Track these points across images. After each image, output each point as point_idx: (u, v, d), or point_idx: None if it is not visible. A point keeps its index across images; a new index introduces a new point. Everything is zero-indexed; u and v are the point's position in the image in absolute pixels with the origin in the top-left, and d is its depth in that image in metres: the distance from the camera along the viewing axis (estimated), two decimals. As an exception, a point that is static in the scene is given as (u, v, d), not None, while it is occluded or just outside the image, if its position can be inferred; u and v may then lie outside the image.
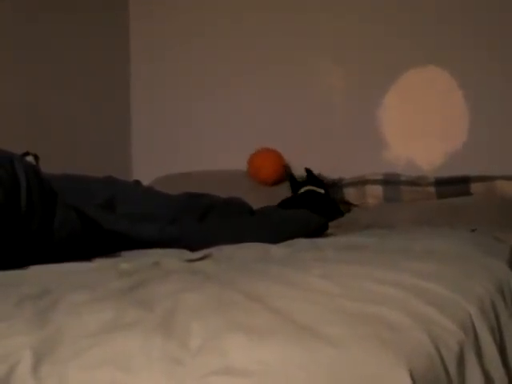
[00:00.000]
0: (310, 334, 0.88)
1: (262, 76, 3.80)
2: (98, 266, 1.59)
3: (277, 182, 3.49)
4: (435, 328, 0.98)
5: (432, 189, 3.17)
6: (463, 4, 3.38)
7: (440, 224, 2.58)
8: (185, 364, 0.82)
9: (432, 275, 1.28)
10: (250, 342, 0.85)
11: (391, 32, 3.51)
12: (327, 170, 3.49)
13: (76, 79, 3.70)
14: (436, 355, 0.91)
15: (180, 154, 3.96)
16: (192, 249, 1.91)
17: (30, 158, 2.54)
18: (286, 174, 3.49)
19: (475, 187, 3.10)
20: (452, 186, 3.14)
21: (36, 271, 1.50)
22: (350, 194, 3.35)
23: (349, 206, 3.31)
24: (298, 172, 3.50)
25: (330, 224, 2.55)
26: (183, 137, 3.98)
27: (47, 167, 2.24)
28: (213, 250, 1.82)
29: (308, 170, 3.41)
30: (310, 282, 1.21)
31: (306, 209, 2.67)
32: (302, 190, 3.27)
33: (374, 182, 3.28)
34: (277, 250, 1.80)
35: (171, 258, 1.67)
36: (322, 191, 3.26)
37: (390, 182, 3.26)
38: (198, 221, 2.28)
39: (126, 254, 1.88)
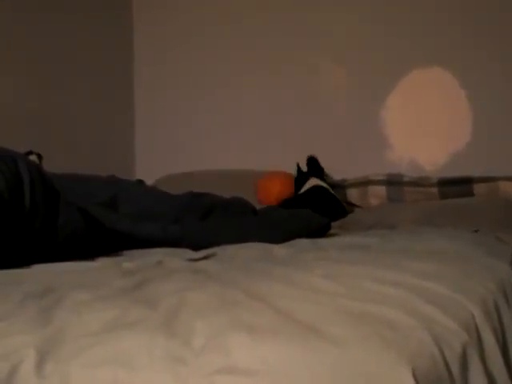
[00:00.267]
0: (312, 333, 0.88)
1: (262, 76, 3.80)
2: (101, 264, 1.59)
3: None
4: (438, 328, 0.98)
5: (435, 189, 3.17)
6: (463, 4, 3.38)
7: (442, 224, 2.58)
8: (188, 363, 0.82)
9: (434, 275, 1.28)
10: (253, 341, 0.85)
11: (393, 32, 3.51)
12: (330, 170, 3.49)
13: (79, 79, 3.71)
14: (439, 355, 0.90)
15: (182, 153, 3.97)
16: (195, 248, 1.91)
17: (33, 157, 2.55)
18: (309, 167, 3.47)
19: (478, 188, 3.10)
20: (455, 186, 3.14)
21: (39, 270, 1.50)
22: (352, 194, 3.35)
23: (352, 206, 3.31)
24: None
25: (333, 224, 2.55)
26: (186, 137, 3.99)
27: (50, 166, 2.24)
28: (215, 250, 1.82)
29: (311, 159, 3.40)
30: (313, 281, 1.21)
31: (310, 207, 2.67)
32: (307, 187, 3.26)
33: (377, 182, 3.28)
34: (279, 249, 1.80)
35: (174, 258, 1.67)
36: (325, 185, 3.25)
37: (393, 182, 3.26)
38: (201, 220, 2.28)
39: (128, 253, 1.88)
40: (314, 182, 3.28)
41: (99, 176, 2.53)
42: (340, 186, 3.38)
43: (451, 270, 1.39)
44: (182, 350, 0.85)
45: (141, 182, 2.92)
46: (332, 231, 2.42)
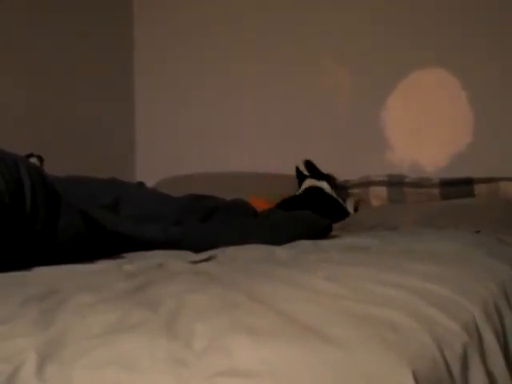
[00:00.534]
0: (314, 335, 0.88)
1: (265, 77, 3.81)
2: (103, 267, 1.59)
3: None
4: (439, 329, 0.98)
5: (436, 190, 3.18)
6: (464, 4, 3.38)
7: (443, 225, 2.58)
8: (190, 365, 0.83)
9: (435, 277, 1.28)
10: (255, 342, 0.85)
11: (394, 33, 3.53)
12: (331, 171, 3.49)
13: (80, 81, 3.71)
14: (439, 357, 0.91)
15: (183, 156, 3.97)
16: (196, 250, 1.91)
17: (34, 160, 2.55)
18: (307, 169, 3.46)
19: (479, 188, 3.10)
20: (456, 187, 3.14)
21: (41, 272, 1.50)
22: (354, 195, 3.36)
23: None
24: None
25: (334, 225, 2.56)
26: (186, 139, 3.99)
27: (51, 169, 2.25)
28: (217, 252, 1.82)
29: (307, 162, 3.41)
30: (314, 283, 1.21)
31: (308, 207, 2.68)
32: (303, 187, 3.27)
33: (379, 183, 3.29)
34: (281, 251, 1.80)
35: (175, 260, 1.67)
36: (324, 185, 3.26)
37: (395, 183, 3.27)
38: (202, 222, 2.28)
39: (129, 255, 1.88)
40: (310, 182, 3.29)
41: (100, 178, 2.54)
42: (342, 187, 3.39)
43: (452, 271, 1.39)
44: (184, 352, 0.85)
45: (141, 184, 2.92)
46: (333, 233, 2.42)
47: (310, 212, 2.44)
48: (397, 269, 1.35)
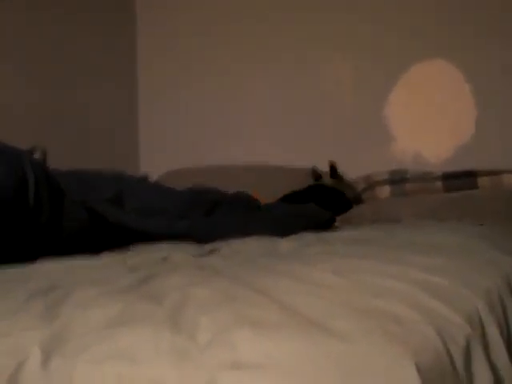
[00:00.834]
0: (317, 328, 0.88)
1: (268, 72, 3.81)
2: (107, 260, 1.60)
3: None
4: (442, 322, 0.98)
5: (439, 183, 3.17)
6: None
7: (447, 218, 2.58)
8: (193, 358, 0.83)
9: (439, 269, 1.28)
10: (258, 335, 0.85)
11: (396, 26, 3.51)
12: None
13: (83, 74, 3.71)
14: (443, 349, 0.91)
15: (187, 149, 3.97)
16: (199, 243, 1.92)
17: (38, 152, 2.56)
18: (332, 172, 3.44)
19: (482, 181, 3.09)
20: (459, 180, 3.14)
21: (44, 267, 1.51)
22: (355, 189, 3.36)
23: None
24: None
25: (337, 218, 2.56)
26: (190, 132, 3.99)
27: (55, 161, 2.25)
28: (220, 245, 1.83)
29: (331, 166, 3.40)
30: (317, 276, 1.21)
31: (314, 202, 2.68)
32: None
33: (381, 182, 3.28)
34: (284, 244, 1.80)
35: (179, 253, 1.67)
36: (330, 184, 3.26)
37: (397, 180, 3.26)
38: (206, 216, 2.28)
39: (133, 248, 1.88)
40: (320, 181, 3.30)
41: (104, 172, 2.54)
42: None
43: (455, 263, 1.39)
44: (188, 345, 0.86)
45: (145, 177, 2.93)
46: (336, 225, 2.42)
47: (313, 205, 2.44)
48: (400, 261, 1.35)
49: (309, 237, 1.97)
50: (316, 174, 3.40)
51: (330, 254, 1.54)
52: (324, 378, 0.78)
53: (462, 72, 3.36)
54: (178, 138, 4.02)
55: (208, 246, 1.83)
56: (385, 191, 3.25)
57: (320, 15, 3.67)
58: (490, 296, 1.23)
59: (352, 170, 3.45)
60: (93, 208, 1.90)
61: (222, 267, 1.42)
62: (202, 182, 2.73)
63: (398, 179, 3.26)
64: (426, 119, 3.44)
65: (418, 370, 0.80)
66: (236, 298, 1.04)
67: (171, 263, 1.54)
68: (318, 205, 2.53)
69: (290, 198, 3.09)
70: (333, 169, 3.39)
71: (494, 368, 1.05)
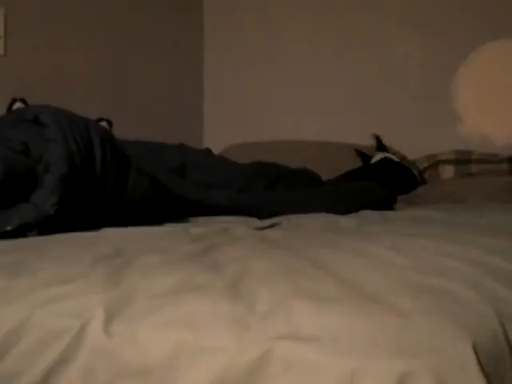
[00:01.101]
0: (375, 303, 0.88)
1: (334, 48, 3.77)
2: (169, 230, 1.62)
3: None
4: (501, 304, 0.97)
5: (505, 166, 3.12)
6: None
7: (511, 200, 2.54)
8: (251, 327, 0.84)
9: (501, 251, 1.27)
10: (316, 308, 0.86)
11: (467, 5, 3.44)
12: (399, 142, 3.45)
13: (147, 44, 3.73)
14: (500, 331, 0.90)
15: (250, 123, 3.98)
16: (261, 217, 1.93)
17: (103, 124, 2.60)
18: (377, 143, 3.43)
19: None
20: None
21: (109, 233, 1.54)
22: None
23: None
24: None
25: (401, 198, 2.54)
26: (253, 107, 4.00)
27: (120, 132, 2.29)
28: (281, 219, 1.84)
29: (376, 137, 3.38)
30: (378, 253, 1.21)
31: (381, 178, 2.66)
32: (378, 158, 3.23)
33: (446, 161, 3.23)
34: (345, 221, 1.80)
35: (240, 225, 1.69)
36: (396, 158, 3.23)
37: (462, 160, 3.21)
38: (267, 190, 2.30)
39: (196, 219, 1.91)
40: (382, 154, 3.26)
41: (168, 144, 2.57)
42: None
43: (518, 246, 1.37)
44: (246, 315, 0.87)
45: (209, 150, 2.95)
46: (399, 204, 2.41)
47: (375, 183, 2.43)
48: (462, 241, 1.34)
49: (371, 214, 1.97)
50: (361, 154, 3.36)
51: (391, 231, 1.54)
52: (380, 353, 0.78)
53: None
54: (242, 111, 4.03)
55: (269, 220, 1.84)
56: (449, 171, 3.21)
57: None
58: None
59: (415, 149, 3.40)
60: (156, 178, 1.93)
61: (283, 240, 1.43)
62: (265, 157, 2.74)
63: (463, 160, 3.22)
64: (493, 100, 3.37)
65: (475, 350, 0.80)
66: (295, 270, 1.05)
67: (232, 235, 1.56)
68: (386, 181, 2.51)
69: (359, 173, 3.08)
70: (379, 141, 3.36)
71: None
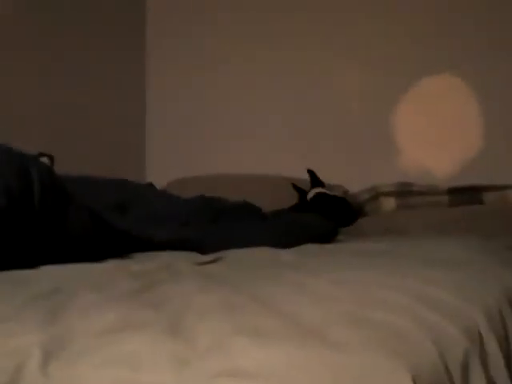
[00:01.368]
0: (314, 337, 0.88)
1: (274, 79, 3.80)
2: (110, 266, 1.60)
3: None
4: (440, 335, 0.98)
5: (444, 197, 3.16)
6: (476, 8, 3.38)
7: (452, 232, 2.57)
8: (192, 365, 0.83)
9: (440, 282, 1.28)
10: (256, 344, 0.86)
11: (406, 36, 3.51)
12: (338, 175, 3.48)
13: (91, 80, 3.72)
14: (440, 363, 0.91)
15: (193, 157, 3.98)
16: (203, 252, 1.92)
17: (44, 159, 2.57)
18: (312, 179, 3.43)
19: (488, 196, 3.09)
20: (464, 195, 3.13)
21: (47, 271, 1.51)
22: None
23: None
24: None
25: (342, 230, 2.56)
26: (196, 141, 4.00)
27: (61, 168, 2.26)
28: (223, 254, 1.83)
29: (310, 172, 3.39)
30: (318, 286, 1.21)
31: (319, 214, 2.67)
32: (311, 195, 3.25)
33: (387, 194, 3.27)
34: (286, 254, 1.80)
35: (182, 261, 1.68)
36: (330, 192, 3.25)
37: (403, 192, 3.25)
38: (210, 224, 2.29)
39: (137, 255, 1.89)
40: (316, 190, 3.27)
41: (110, 178, 2.55)
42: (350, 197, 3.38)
43: (457, 276, 1.39)
44: (187, 352, 0.86)
45: (151, 185, 2.94)
46: (340, 237, 2.42)
47: (316, 215, 2.45)
48: (401, 273, 1.35)
49: (311, 247, 1.98)
50: (298, 189, 3.37)
51: (331, 265, 1.54)
52: (319, 388, 0.78)
53: (470, 86, 3.35)
54: (185, 146, 4.02)
55: (211, 255, 1.83)
56: (390, 203, 3.24)
57: (330, 27, 3.68)
58: (489, 310, 1.22)
59: (356, 182, 3.43)
60: (97, 214, 1.91)
61: (224, 276, 1.43)
62: (205, 191, 2.73)
63: (404, 191, 3.26)
64: (432, 133, 3.43)
65: (415, 382, 0.80)
66: (236, 306, 1.05)
67: (174, 271, 1.55)
68: (325, 215, 2.53)
69: (297, 209, 3.09)
70: (313, 176, 3.37)
71: (492, 383, 1.05)
